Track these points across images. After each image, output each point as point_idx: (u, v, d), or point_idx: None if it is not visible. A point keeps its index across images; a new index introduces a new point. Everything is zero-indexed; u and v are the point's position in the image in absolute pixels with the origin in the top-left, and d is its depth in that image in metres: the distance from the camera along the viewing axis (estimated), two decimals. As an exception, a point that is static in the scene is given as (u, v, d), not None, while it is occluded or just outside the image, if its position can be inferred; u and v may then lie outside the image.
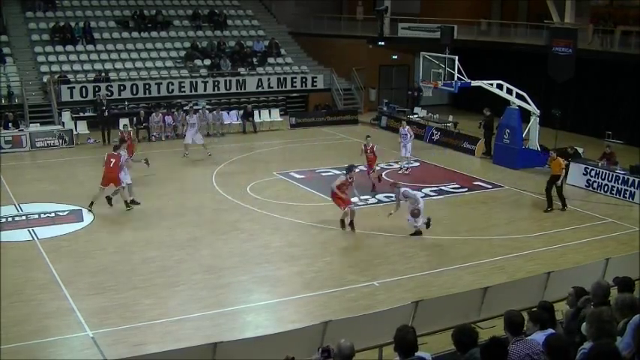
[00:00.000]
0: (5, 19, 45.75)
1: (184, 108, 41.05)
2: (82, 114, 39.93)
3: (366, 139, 29.01)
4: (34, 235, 22.47)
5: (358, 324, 13.58)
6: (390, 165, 32.21)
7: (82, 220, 24.19)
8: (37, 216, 24.46)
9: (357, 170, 23.86)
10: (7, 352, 14.87)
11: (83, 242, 22.01)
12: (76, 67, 43.21)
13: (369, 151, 28.52)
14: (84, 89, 40.68)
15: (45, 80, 41.31)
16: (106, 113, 38.15)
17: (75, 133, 37.44)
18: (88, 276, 19.14)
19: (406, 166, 31.58)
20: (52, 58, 43.62)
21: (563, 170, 25.72)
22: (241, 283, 19.01)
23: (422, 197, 23.77)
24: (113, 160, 24.64)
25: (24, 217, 24.33)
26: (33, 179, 29.93)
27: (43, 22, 46.02)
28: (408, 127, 32.12)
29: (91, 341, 15.41)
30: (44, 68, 42.67)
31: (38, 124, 37.89)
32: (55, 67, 42.77)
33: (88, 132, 37.88)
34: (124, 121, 37.60)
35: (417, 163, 32.83)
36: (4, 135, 35.64)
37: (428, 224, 22.55)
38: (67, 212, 24.98)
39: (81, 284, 18.56)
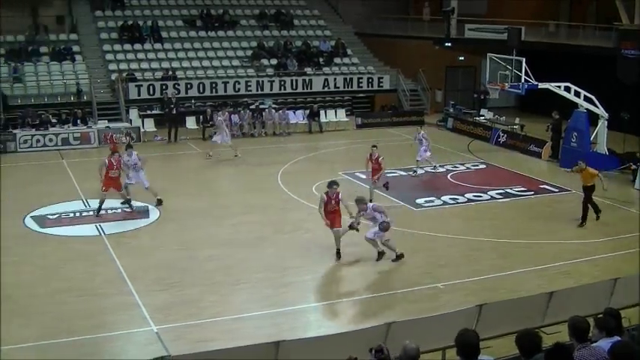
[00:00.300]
0: (75, 17, 46.54)
1: (250, 107, 41.29)
2: (149, 112, 40.43)
3: (372, 149, 26.32)
4: (101, 231, 22.82)
5: (421, 326, 13.46)
6: (456, 167, 31.92)
7: (148, 217, 24.49)
8: (104, 211, 24.78)
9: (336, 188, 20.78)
10: (73, 344, 15.16)
11: (149, 238, 22.27)
12: (144, 65, 43.73)
13: (373, 161, 26.05)
14: (151, 87, 41.15)
15: (113, 78, 41.90)
16: (174, 111, 38.52)
17: (142, 130, 37.94)
18: (153, 272, 19.33)
19: (416, 170, 30.64)
20: (120, 56, 44.21)
21: (598, 178, 24.58)
22: (304, 283, 19.01)
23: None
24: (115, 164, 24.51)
25: (91, 213, 24.66)
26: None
27: (111, 21, 46.67)
28: (423, 132, 30.90)
29: (155, 336, 15.55)
30: (112, 66, 43.25)
31: (106, 121, 38.49)
32: (123, 66, 43.33)
33: (155, 129, 38.31)
34: (190, 120, 38.10)
35: (484, 165, 32.51)
36: (73, 131, 36.30)
37: (399, 257, 20.50)
38: (133, 209, 25.26)
39: (146, 280, 18.75)
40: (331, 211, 20.47)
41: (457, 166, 32.17)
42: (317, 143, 37.74)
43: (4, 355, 14.79)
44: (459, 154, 33.82)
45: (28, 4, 46.23)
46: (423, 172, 30.64)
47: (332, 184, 20.80)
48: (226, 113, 38.21)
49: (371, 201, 22.80)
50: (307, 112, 41.86)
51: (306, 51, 47.20)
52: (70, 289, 18.10)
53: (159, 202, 25.63)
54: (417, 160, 30.36)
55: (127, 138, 30.26)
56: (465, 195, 27.25)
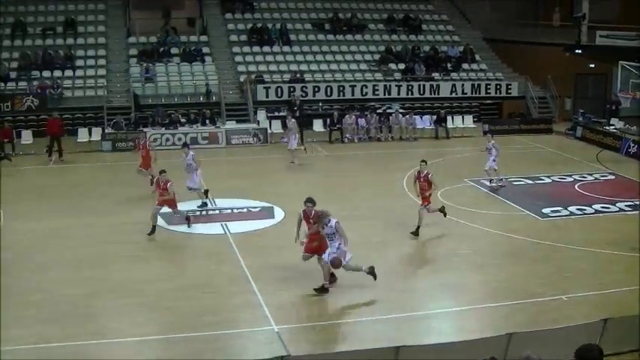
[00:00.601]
0: (206, 20, 47.49)
1: (377, 111, 41.22)
2: (276, 113, 40.80)
3: (421, 165, 23.29)
4: (226, 229, 23.13)
5: (543, 338, 13.11)
6: (584, 177, 31.04)
7: (273, 217, 24.63)
8: (229, 211, 25.15)
9: (310, 206, 18.64)
10: (196, 339, 15.37)
11: (273, 239, 22.35)
12: (272, 67, 44.29)
13: (422, 178, 23.06)
14: (279, 89, 41.62)
15: (242, 79, 42.59)
16: (297, 114, 38.77)
17: (269, 131, 38.34)
18: (276, 272, 19.40)
19: (494, 179, 29.02)
20: (249, 58, 44.89)
21: None
22: (426, 289, 18.77)
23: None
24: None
25: (217, 211, 25.04)
26: (227, 175, 30.86)
27: (241, 24, 47.47)
28: (493, 141, 29.16)
29: (275, 336, 15.58)
30: (241, 68, 43.96)
31: (234, 121, 39.18)
32: (251, 67, 43.99)
33: (281, 131, 38.63)
34: (317, 122, 38.31)
35: (613, 176, 31.50)
36: (201, 131, 37.04)
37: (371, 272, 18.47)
38: (258, 209, 25.55)
39: (269, 279, 18.83)
40: (312, 235, 18.50)
41: (585, 176, 31.21)
42: (443, 149, 37.36)
43: (126, 346, 15.20)
44: (588, 163, 32.91)
45: (160, 7, 47.42)
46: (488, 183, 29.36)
47: (307, 201, 18.81)
48: (353, 117, 38.20)
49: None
50: (434, 117, 41.47)
51: (434, 56, 46.91)
52: (194, 285, 18.37)
53: (203, 204, 25.88)
54: (485, 170, 28.95)
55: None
56: (593, 206, 26.41)
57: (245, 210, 25.45)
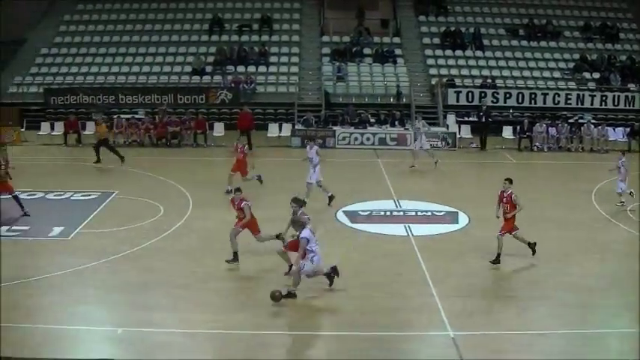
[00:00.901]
0: (399, 22, 47.80)
1: (569, 121, 40.32)
2: (466, 118, 40.60)
3: (504, 184, 20.68)
4: (409, 231, 23.23)
5: None
6: None
7: (457, 223, 24.58)
8: (413, 213, 25.32)
9: (295, 206, 19.03)
10: (371, 338, 15.56)
11: (456, 244, 22.28)
12: (464, 71, 44.14)
13: (504, 199, 20.50)
14: (470, 94, 41.43)
15: (433, 83, 42.66)
16: (483, 119, 38.44)
17: (458, 136, 38.23)
18: (456, 277, 19.37)
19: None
20: (440, 61, 44.93)
21: None
22: (608, 307, 18.23)
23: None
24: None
25: (401, 213, 25.26)
26: (413, 177, 30.99)
27: (434, 27, 47.55)
28: (624, 159, 27.16)
29: (451, 342, 15.55)
30: (433, 71, 44.04)
31: (423, 124, 39.17)
32: (443, 71, 44.00)
33: (470, 136, 38.42)
34: (507, 129, 37.93)
35: None
36: (390, 132, 37.38)
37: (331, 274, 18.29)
38: (443, 213, 25.57)
39: (448, 285, 18.81)
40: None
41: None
42: (635, 162, 36.05)
43: (301, 340, 15.56)
44: None
45: (354, 7, 48.10)
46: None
47: (292, 201, 19.26)
48: (544, 125, 37.39)
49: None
50: (628, 129, 40.11)
51: (631, 66, 45.35)
52: (374, 284, 18.60)
53: (330, 199, 26.00)
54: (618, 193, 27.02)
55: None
56: None
57: (429, 213, 25.52)
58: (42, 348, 14.84)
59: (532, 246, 20.57)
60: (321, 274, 17.95)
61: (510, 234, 20.31)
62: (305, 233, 17.57)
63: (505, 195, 20.40)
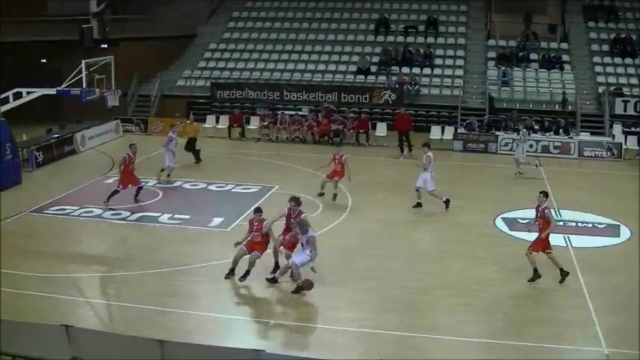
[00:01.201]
0: (567, 27, 46.87)
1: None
2: (633, 129, 39.35)
3: (539, 198, 19.69)
4: (568, 242, 22.86)
5: None
6: None
7: (619, 236, 24.00)
8: (574, 224, 24.90)
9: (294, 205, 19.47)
10: (517, 348, 15.47)
11: (616, 258, 21.80)
12: (633, 80, 42.85)
13: (538, 214, 19.60)
14: (638, 104, 40.09)
15: (600, 91, 41.54)
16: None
17: (624, 147, 37.08)
18: (614, 292, 18.96)
19: None
20: (609, 69, 43.78)
21: None
22: None
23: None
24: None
25: (561, 223, 24.81)
26: (575, 187, 30.39)
27: (603, 33, 46.40)
28: None
29: (604, 358, 15.30)
30: (601, 79, 42.94)
31: (588, 133, 38.31)
32: (611, 79, 42.84)
33: (637, 148, 37.18)
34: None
35: None
36: (553, 140, 36.71)
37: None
38: (604, 225, 25.06)
39: (607, 299, 18.46)
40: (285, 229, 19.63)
41: None
42: None
43: (452, 345, 15.62)
44: None
45: (522, 11, 47.50)
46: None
47: (291, 200, 19.76)
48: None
49: None
50: None
51: None
52: (528, 294, 18.54)
53: (447, 204, 25.82)
54: None
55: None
56: None
57: (590, 225, 25.04)
58: (193, 335, 15.48)
59: (564, 274, 19.43)
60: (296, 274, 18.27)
61: (544, 252, 19.34)
62: (312, 232, 18.41)
63: (540, 209, 19.49)
